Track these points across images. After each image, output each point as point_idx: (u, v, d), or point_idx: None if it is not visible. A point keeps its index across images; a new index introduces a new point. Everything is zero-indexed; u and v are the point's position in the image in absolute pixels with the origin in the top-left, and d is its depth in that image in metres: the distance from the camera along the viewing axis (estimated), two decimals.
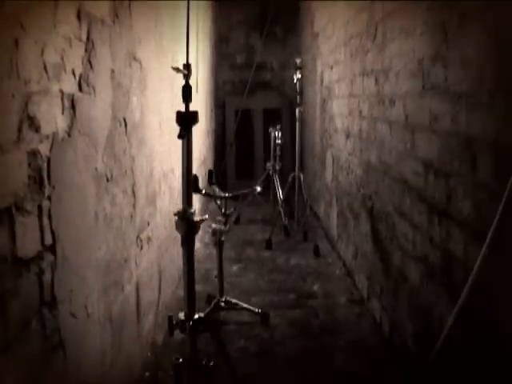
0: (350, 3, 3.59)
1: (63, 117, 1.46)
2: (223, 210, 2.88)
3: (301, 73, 4.59)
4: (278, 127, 5.17)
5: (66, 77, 1.48)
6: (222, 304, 2.97)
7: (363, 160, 3.23)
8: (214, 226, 2.88)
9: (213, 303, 2.92)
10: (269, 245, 4.38)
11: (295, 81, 4.59)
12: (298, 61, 4.58)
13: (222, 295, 2.98)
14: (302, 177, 4.60)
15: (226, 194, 2.92)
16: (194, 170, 5.41)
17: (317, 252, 4.19)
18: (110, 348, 1.91)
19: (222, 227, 2.86)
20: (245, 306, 2.96)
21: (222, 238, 2.90)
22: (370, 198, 3.03)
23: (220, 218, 2.87)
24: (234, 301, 3.01)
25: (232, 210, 2.95)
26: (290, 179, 4.68)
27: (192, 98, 1.73)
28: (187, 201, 1.78)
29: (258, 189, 3.30)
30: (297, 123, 4.65)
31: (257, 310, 2.94)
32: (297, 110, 4.63)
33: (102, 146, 1.83)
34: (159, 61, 2.83)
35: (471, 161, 1.64)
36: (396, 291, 2.50)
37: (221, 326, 2.73)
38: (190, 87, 1.70)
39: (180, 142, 1.73)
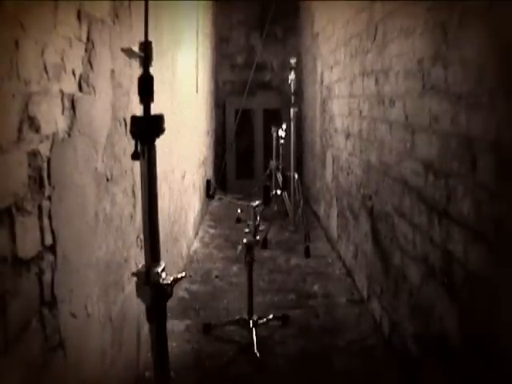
0: (350, 3, 3.59)
1: (63, 117, 1.46)
2: (251, 222, 2.63)
3: (295, 73, 4.60)
4: (283, 126, 5.13)
5: (66, 77, 1.48)
6: (257, 322, 2.72)
7: (363, 160, 3.23)
8: (245, 240, 2.62)
9: (251, 326, 2.66)
10: (264, 244, 4.36)
11: (289, 81, 4.60)
12: (292, 61, 4.58)
13: (251, 315, 2.72)
14: (296, 176, 4.61)
15: (255, 203, 2.65)
16: (194, 171, 5.38)
17: (307, 253, 4.16)
18: (110, 348, 1.91)
19: (253, 239, 2.60)
20: (270, 317, 2.84)
21: (254, 258, 2.64)
22: (370, 198, 3.03)
23: (247, 230, 2.62)
24: (261, 321, 2.77)
25: (259, 221, 2.66)
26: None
27: (155, 97, 1.26)
28: (152, 254, 1.24)
29: (279, 192, 3.09)
30: (291, 123, 4.66)
31: (280, 315, 2.89)
32: (291, 110, 4.63)
33: (102, 145, 1.83)
34: (159, 61, 2.83)
35: (471, 161, 1.64)
36: (396, 291, 2.50)
37: None
38: (151, 79, 1.20)
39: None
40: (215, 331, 2.77)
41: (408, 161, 2.31)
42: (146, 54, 1.21)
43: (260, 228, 2.64)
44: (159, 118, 1.24)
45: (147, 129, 1.21)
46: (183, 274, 1.34)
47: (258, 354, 2.47)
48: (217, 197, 3.03)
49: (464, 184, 1.71)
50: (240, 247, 2.64)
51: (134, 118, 1.20)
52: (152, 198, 1.23)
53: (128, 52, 1.22)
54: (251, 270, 2.69)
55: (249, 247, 2.63)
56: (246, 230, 2.62)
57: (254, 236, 2.61)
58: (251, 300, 2.74)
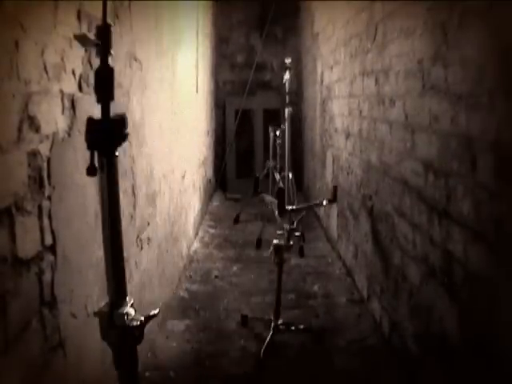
0: (350, 3, 3.59)
1: (63, 117, 1.46)
2: (287, 226, 2.55)
3: (294, 73, 4.57)
4: (282, 127, 5.12)
5: (66, 77, 1.48)
6: (278, 327, 2.65)
7: (363, 160, 3.23)
8: (275, 241, 2.53)
9: (272, 327, 2.62)
10: (258, 244, 4.35)
11: (284, 81, 4.59)
12: (287, 61, 4.55)
13: (277, 318, 2.65)
14: (291, 176, 4.61)
15: (293, 207, 2.60)
16: (194, 171, 5.37)
17: (301, 253, 4.14)
18: None
19: (284, 243, 2.52)
20: (301, 327, 2.70)
21: (285, 256, 2.54)
22: (370, 198, 3.03)
23: (281, 232, 2.56)
24: (282, 327, 2.67)
25: (296, 223, 2.58)
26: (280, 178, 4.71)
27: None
28: (117, 289, 1.08)
29: (325, 202, 2.92)
30: (286, 123, 4.66)
31: (311, 329, 2.75)
32: (286, 111, 4.63)
33: None
34: (159, 61, 2.83)
35: (471, 161, 1.64)
36: (396, 291, 2.50)
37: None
38: (110, 72, 0.97)
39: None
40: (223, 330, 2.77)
41: (408, 161, 2.31)
42: (103, 41, 0.95)
43: (296, 233, 2.55)
44: (121, 121, 0.99)
45: (106, 135, 0.96)
46: (156, 311, 1.13)
47: (261, 355, 2.46)
48: (261, 195, 2.98)
49: (464, 184, 1.71)
50: (271, 249, 2.57)
51: (90, 121, 0.96)
52: (114, 221, 1.01)
53: (82, 39, 1.02)
54: (281, 271, 2.59)
55: (278, 249, 2.54)
56: (279, 232, 2.54)
57: (288, 240, 2.50)
58: (279, 302, 2.64)
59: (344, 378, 2.37)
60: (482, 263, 1.58)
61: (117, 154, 1.01)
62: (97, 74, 0.97)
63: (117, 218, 1.02)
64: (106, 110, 0.97)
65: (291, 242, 2.55)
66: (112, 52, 0.97)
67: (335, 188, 3.07)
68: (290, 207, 2.60)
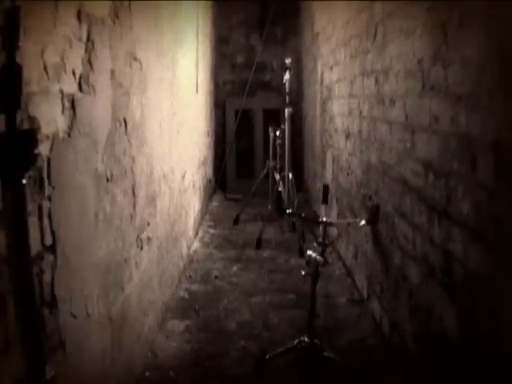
0: (350, 3, 3.59)
1: (63, 117, 1.46)
2: (321, 239, 2.44)
3: (294, 73, 4.57)
4: (282, 127, 5.11)
5: (66, 77, 1.48)
6: (301, 344, 2.42)
7: (363, 160, 3.23)
8: (309, 252, 2.43)
9: (295, 344, 2.42)
10: (258, 244, 4.36)
11: (284, 81, 4.59)
12: (287, 61, 4.55)
13: (310, 335, 2.42)
14: (290, 176, 4.61)
15: (328, 220, 2.47)
16: (194, 171, 5.37)
17: (301, 252, 4.14)
18: (110, 348, 1.91)
19: (318, 257, 2.38)
20: (331, 356, 2.39)
21: (319, 270, 2.38)
22: (370, 198, 3.03)
23: (316, 245, 2.47)
24: (323, 352, 2.40)
25: (333, 240, 2.46)
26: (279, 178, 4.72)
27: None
28: (30, 364, 0.81)
29: (362, 223, 2.73)
30: (286, 123, 4.66)
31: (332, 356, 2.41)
32: (286, 111, 4.63)
33: (102, 146, 1.83)
34: (159, 61, 2.83)
35: (471, 161, 1.64)
36: (396, 291, 2.50)
37: None
38: (18, 70, 0.74)
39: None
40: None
41: (408, 161, 2.31)
42: (9, 29, 0.69)
43: (329, 250, 2.45)
44: (28, 137, 0.72)
45: (7, 156, 0.70)
46: None
47: (267, 356, 2.42)
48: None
49: (464, 184, 1.71)
50: (303, 272, 2.45)
51: None
52: (22, 273, 0.69)
53: None
54: (314, 283, 2.45)
55: (313, 262, 2.42)
56: (316, 245, 2.47)
57: (322, 253, 2.37)
58: (312, 318, 2.42)
59: (344, 378, 2.36)
60: (482, 263, 1.58)
61: (24, 181, 0.72)
62: (1, 72, 0.69)
63: (27, 268, 0.69)
64: (11, 122, 0.71)
65: (324, 259, 2.41)
66: (20, 44, 0.72)
67: (378, 208, 2.62)
68: (323, 219, 2.49)
